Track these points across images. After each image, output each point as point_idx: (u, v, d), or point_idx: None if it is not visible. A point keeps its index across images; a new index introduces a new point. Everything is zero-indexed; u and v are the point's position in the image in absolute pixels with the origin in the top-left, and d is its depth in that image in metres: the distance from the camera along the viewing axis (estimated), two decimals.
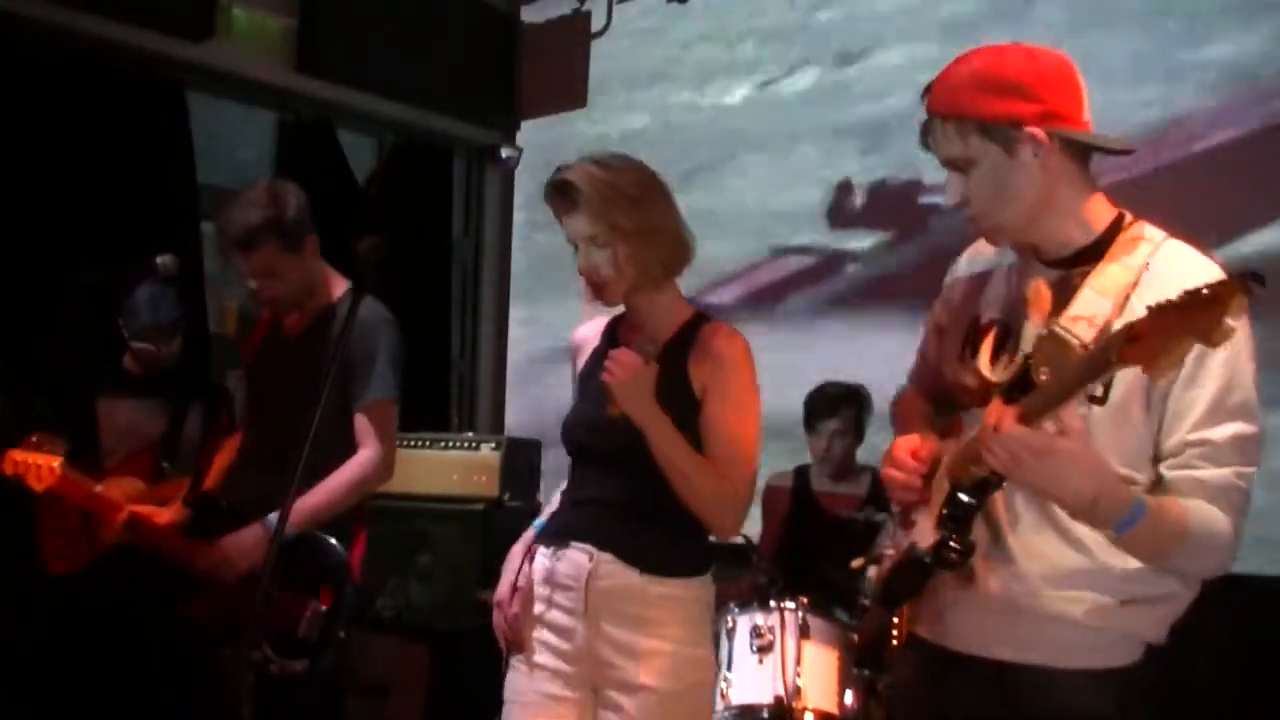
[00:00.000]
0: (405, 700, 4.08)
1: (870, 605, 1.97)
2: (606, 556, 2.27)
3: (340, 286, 2.98)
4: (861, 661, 3.26)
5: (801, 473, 4.24)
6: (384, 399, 2.88)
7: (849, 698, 3.17)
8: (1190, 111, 4.21)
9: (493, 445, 4.62)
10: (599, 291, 2.32)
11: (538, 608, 2.35)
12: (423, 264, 5.57)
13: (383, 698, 4.00)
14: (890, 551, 1.89)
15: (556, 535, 2.36)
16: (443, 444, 4.66)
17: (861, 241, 5.04)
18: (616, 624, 2.25)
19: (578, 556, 2.29)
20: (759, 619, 3.24)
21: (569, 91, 5.61)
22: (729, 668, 3.23)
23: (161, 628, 3.37)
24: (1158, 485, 1.69)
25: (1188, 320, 1.36)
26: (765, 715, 3.12)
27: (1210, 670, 3.26)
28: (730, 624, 3.29)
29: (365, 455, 2.85)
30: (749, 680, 3.19)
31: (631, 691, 2.23)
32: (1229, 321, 1.33)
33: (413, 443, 4.48)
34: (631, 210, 2.23)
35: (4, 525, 3.59)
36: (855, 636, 3.28)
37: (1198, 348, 1.45)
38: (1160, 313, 1.39)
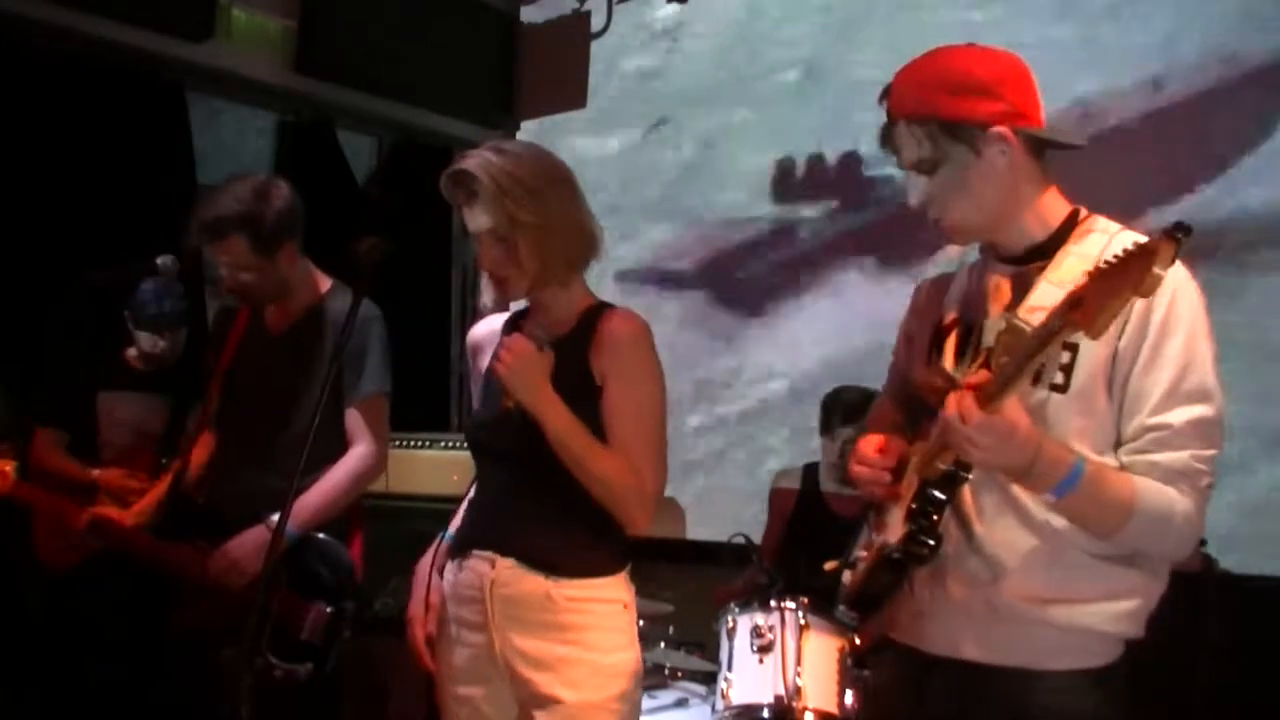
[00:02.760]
0: (405, 701, 4.07)
1: (844, 610, 1.94)
2: (508, 562, 2.12)
3: (325, 283, 2.95)
4: (862, 661, 3.26)
5: (810, 472, 4.22)
6: (377, 394, 2.85)
7: (849, 698, 3.16)
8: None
9: None
10: (500, 287, 2.18)
11: (450, 628, 2.21)
12: (423, 264, 5.56)
13: (383, 698, 4.00)
14: (863, 554, 1.87)
15: (460, 545, 2.23)
16: (443, 444, 4.64)
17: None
18: (525, 634, 2.10)
19: (479, 565, 2.15)
20: (759, 619, 3.23)
21: (569, 92, 5.61)
22: (729, 668, 3.22)
23: (161, 627, 3.37)
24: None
25: (1122, 276, 1.40)
26: (765, 715, 3.11)
27: (1210, 670, 3.26)
28: (730, 624, 3.28)
29: (361, 450, 2.81)
30: (749, 680, 3.18)
31: (545, 706, 2.07)
32: (1157, 270, 1.38)
33: (413, 443, 4.48)
34: (531, 201, 2.07)
35: (1, 524, 3.59)
36: (856, 637, 3.28)
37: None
38: (1098, 275, 1.43)
